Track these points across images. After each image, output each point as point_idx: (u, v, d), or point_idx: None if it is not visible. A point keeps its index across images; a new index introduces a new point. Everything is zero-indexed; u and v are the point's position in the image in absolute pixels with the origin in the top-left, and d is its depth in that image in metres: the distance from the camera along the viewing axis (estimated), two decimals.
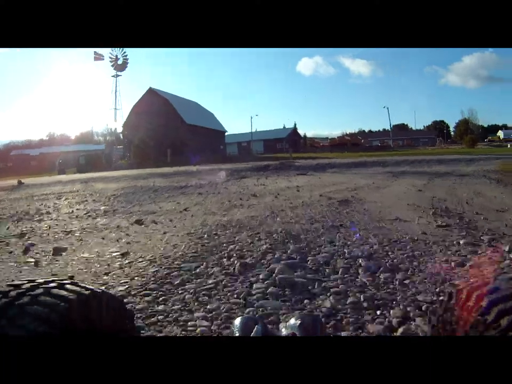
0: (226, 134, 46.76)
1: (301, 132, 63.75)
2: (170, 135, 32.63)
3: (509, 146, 39.48)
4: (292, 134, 56.46)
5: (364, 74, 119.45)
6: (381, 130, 71.32)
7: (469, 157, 17.33)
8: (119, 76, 38.22)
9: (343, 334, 1.39)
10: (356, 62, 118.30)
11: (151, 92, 36.02)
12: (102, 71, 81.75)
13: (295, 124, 61.40)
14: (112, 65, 39.35)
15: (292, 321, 0.79)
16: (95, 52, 38.68)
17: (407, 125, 75.18)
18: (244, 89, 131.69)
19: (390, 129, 55.59)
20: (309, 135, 69.23)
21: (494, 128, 67.51)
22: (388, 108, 67.99)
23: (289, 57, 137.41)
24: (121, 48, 37.13)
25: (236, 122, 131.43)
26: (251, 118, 74.90)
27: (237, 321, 0.80)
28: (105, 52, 38.82)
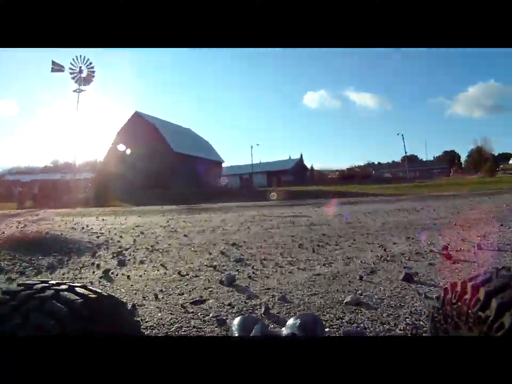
0: (227, 165, 41.66)
1: (307, 164, 55.91)
2: (153, 165, 28.81)
3: None
4: (297, 166, 49.58)
5: (369, 107, 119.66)
6: (390, 162, 68.01)
7: None
8: (82, 91, 32.87)
9: (343, 334, 1.37)
10: (361, 95, 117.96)
11: (137, 116, 32.41)
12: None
13: (301, 155, 53.26)
14: (74, 78, 31.84)
15: (292, 321, 0.78)
16: (52, 61, 32.09)
17: (417, 156, 70.65)
18: (246, 120, 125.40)
19: (401, 160, 47.89)
20: (315, 167, 60.58)
21: (504, 157, 63.49)
22: (402, 135, 48.02)
23: (293, 90, 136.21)
24: (86, 59, 32.26)
25: (236, 153, 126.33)
26: (251, 147, 58.28)
27: (237, 321, 0.79)
28: (66, 62, 31.97)
